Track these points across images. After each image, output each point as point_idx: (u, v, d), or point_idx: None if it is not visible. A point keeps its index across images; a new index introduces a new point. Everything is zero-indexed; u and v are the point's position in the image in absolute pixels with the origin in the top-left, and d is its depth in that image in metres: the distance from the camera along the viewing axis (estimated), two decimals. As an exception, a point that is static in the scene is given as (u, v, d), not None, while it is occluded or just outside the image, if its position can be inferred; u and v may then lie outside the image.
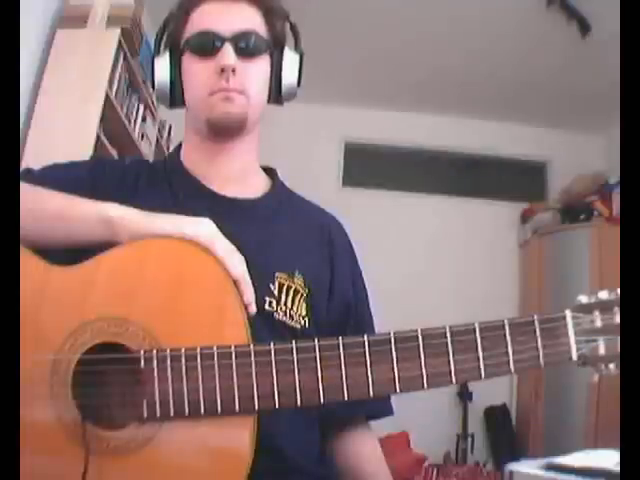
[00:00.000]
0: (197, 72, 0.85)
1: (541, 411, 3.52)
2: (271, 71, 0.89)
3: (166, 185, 0.88)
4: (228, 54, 0.83)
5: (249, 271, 0.68)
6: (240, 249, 0.70)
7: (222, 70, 0.82)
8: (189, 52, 0.85)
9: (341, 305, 0.88)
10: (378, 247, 3.42)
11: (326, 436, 0.86)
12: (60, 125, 2.20)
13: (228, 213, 0.82)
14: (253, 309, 0.67)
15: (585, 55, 3.28)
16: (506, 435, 3.67)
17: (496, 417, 3.73)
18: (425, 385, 0.62)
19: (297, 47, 0.93)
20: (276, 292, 0.79)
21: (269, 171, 0.96)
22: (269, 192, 0.92)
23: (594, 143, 4.12)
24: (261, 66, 0.87)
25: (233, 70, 0.82)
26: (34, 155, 2.03)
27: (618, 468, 0.62)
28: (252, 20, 0.87)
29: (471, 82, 3.76)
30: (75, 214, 0.72)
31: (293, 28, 0.92)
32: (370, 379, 0.62)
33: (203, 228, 0.69)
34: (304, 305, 0.82)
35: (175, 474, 0.61)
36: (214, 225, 0.70)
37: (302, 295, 0.82)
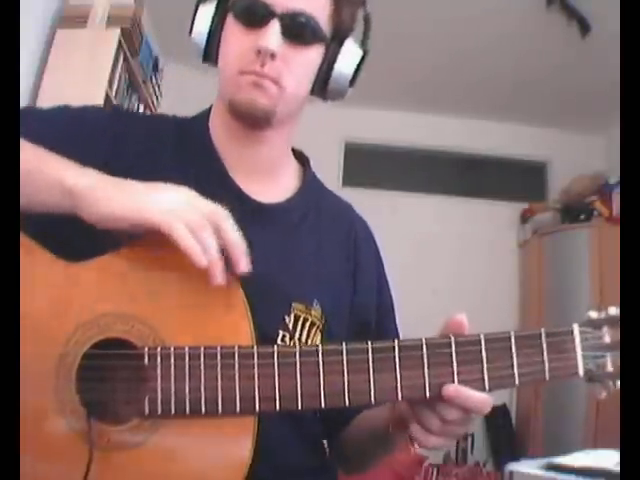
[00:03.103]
0: (234, 42, 0.74)
1: (541, 411, 3.52)
2: (322, 62, 0.78)
3: (191, 170, 0.77)
4: (271, 35, 0.71)
5: (265, 293, 0.65)
6: (260, 264, 0.65)
7: (259, 51, 0.71)
8: (233, 15, 0.74)
9: (358, 324, 0.84)
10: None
11: (332, 430, 0.83)
12: (60, 125, 2.19)
13: (252, 220, 0.73)
14: (243, 268, 0.61)
15: (585, 55, 3.28)
16: (506, 435, 3.67)
17: (496, 417, 3.72)
18: (427, 394, 0.61)
19: (364, 42, 0.80)
20: (291, 325, 0.75)
21: (300, 156, 0.88)
22: (298, 193, 0.84)
23: (594, 143, 4.12)
24: (309, 56, 0.76)
25: (272, 55, 0.71)
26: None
27: (618, 468, 0.62)
28: (315, 1, 0.74)
29: (471, 82, 3.76)
30: (40, 178, 0.63)
31: (367, 19, 0.80)
32: (372, 386, 0.61)
33: (164, 215, 0.60)
34: (319, 336, 0.77)
35: (175, 472, 0.61)
36: (184, 197, 0.62)
37: (318, 327, 0.78)
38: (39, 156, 0.65)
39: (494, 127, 4.15)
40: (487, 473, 3.41)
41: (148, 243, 0.65)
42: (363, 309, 0.86)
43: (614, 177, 3.51)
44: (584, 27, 3.09)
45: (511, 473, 0.67)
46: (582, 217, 3.63)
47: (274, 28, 0.71)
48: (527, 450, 3.49)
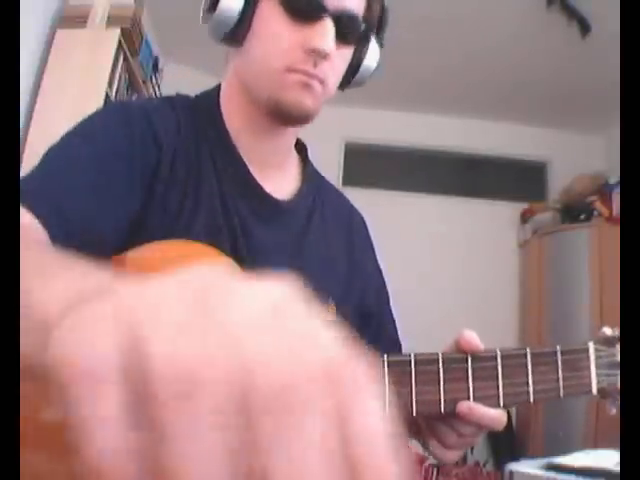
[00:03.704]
0: (280, 35, 0.68)
1: (541, 411, 3.52)
2: (352, 58, 0.76)
3: (213, 177, 0.72)
4: (328, 35, 0.67)
5: None
6: (281, 267, 0.65)
7: (313, 51, 0.67)
8: (278, 5, 0.69)
9: (357, 316, 0.84)
10: (377, 247, 3.41)
11: None
12: (60, 125, 2.19)
13: (269, 220, 0.73)
14: None
15: (585, 55, 3.28)
16: (506, 435, 3.67)
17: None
18: (442, 410, 0.59)
19: (380, 36, 0.79)
20: None
21: (297, 145, 0.85)
22: (302, 186, 0.82)
23: (594, 143, 4.12)
24: (348, 54, 0.74)
25: (326, 56, 0.68)
26: (34, 155, 2.03)
27: (618, 468, 0.61)
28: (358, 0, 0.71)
29: (471, 82, 3.76)
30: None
31: (384, 12, 0.78)
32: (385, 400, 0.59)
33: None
34: None
35: None
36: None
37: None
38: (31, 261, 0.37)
39: (494, 127, 4.15)
40: (487, 473, 3.41)
41: (152, 248, 0.64)
42: (365, 306, 0.85)
43: (614, 177, 3.51)
44: (584, 27, 3.09)
45: (511, 473, 0.67)
46: (582, 217, 3.63)
47: (329, 27, 0.67)
48: (527, 450, 3.49)
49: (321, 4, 0.68)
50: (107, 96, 2.33)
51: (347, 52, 0.74)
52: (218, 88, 0.80)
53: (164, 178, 0.68)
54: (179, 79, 3.42)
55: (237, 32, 0.70)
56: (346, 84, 0.79)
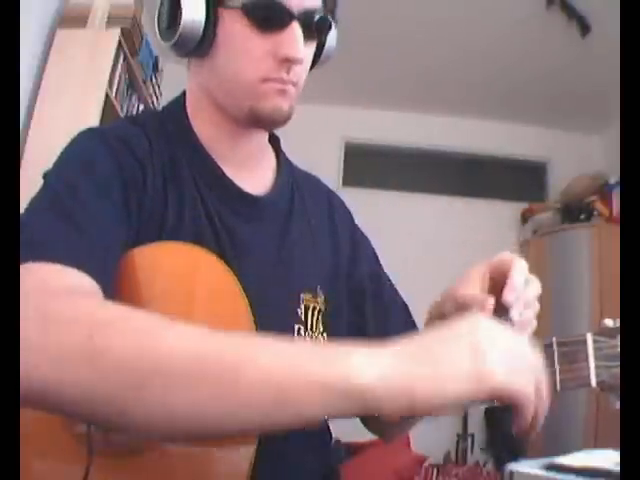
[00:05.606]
0: (250, 47, 0.69)
1: (541, 411, 3.52)
2: (317, 45, 0.76)
3: (192, 183, 0.73)
4: (298, 41, 0.68)
5: (277, 290, 0.63)
6: (267, 262, 0.66)
7: (286, 60, 0.68)
8: (243, 16, 0.68)
9: (352, 299, 0.84)
10: (377, 247, 3.41)
11: None
12: (60, 125, 2.20)
13: (250, 217, 0.74)
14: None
15: (585, 55, 3.28)
16: (506, 435, 3.67)
17: (496, 417, 3.72)
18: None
19: (334, 14, 0.77)
20: (303, 316, 0.74)
21: (270, 137, 0.85)
22: (279, 177, 0.82)
23: (594, 143, 4.12)
24: (313, 48, 0.75)
25: (298, 61, 0.69)
26: (34, 155, 2.03)
27: (618, 468, 0.61)
28: None
29: (471, 82, 3.76)
30: (295, 382, 0.47)
31: None
32: None
33: (514, 378, 0.54)
34: (321, 321, 0.77)
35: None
36: (510, 342, 0.53)
37: (322, 312, 0.77)
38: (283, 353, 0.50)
39: (494, 127, 4.15)
40: (487, 473, 3.41)
41: (154, 250, 0.65)
42: (358, 286, 0.85)
43: (614, 177, 3.51)
44: (584, 27, 3.09)
45: (511, 473, 0.67)
46: (582, 217, 3.63)
47: (298, 33, 0.68)
48: (527, 450, 3.49)
49: (287, 10, 0.68)
50: (107, 96, 2.33)
51: (313, 45, 0.75)
52: (183, 96, 0.81)
53: (149, 191, 0.69)
54: (179, 79, 3.42)
55: (202, 45, 0.71)
56: (310, 68, 0.79)
